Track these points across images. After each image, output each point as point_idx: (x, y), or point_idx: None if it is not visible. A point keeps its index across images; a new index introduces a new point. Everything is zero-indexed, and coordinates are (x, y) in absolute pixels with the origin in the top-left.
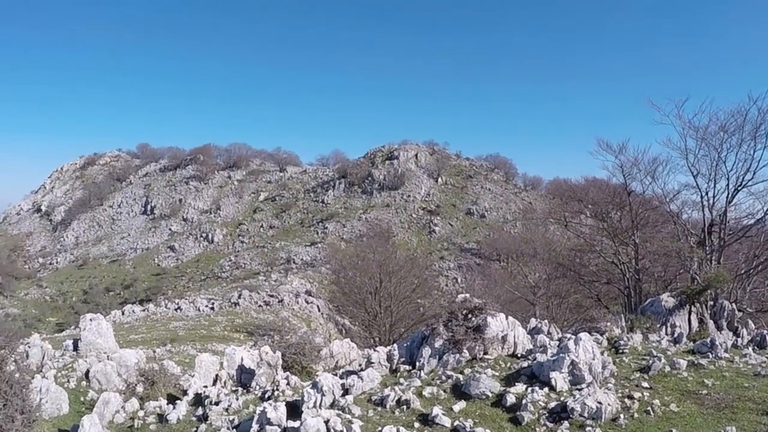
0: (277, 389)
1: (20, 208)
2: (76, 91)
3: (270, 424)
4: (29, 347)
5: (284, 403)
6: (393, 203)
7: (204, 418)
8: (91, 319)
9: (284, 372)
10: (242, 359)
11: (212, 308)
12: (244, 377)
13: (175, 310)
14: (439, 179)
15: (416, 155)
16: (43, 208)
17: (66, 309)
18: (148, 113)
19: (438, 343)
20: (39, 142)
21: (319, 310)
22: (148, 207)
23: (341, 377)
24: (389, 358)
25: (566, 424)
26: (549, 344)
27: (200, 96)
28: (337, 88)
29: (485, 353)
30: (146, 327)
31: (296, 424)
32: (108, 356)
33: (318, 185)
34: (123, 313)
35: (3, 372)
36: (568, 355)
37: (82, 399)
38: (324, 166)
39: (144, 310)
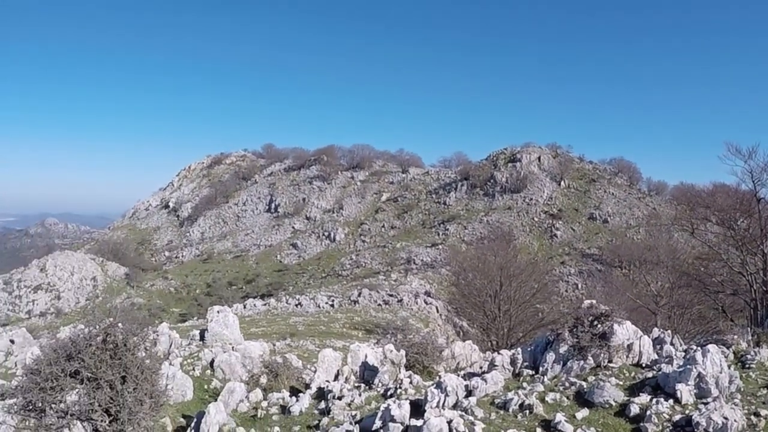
0: (400, 387)
1: (149, 204)
2: (203, 94)
3: (393, 421)
4: (158, 335)
5: (408, 401)
6: (515, 206)
7: (326, 411)
8: (218, 311)
9: (407, 371)
10: (366, 356)
11: (332, 305)
12: (367, 374)
13: (296, 305)
14: (562, 183)
15: (539, 158)
16: (171, 204)
17: (189, 301)
18: (273, 115)
19: (562, 349)
20: (167, 142)
21: (437, 312)
22: (272, 205)
23: (464, 378)
24: (512, 362)
25: None
26: (675, 355)
27: (325, 98)
28: (460, 90)
29: (610, 361)
30: (266, 321)
31: (419, 422)
32: (233, 347)
33: (440, 187)
34: (245, 307)
35: (135, 357)
36: (695, 367)
37: (205, 387)
38: (446, 167)
39: (265, 305)
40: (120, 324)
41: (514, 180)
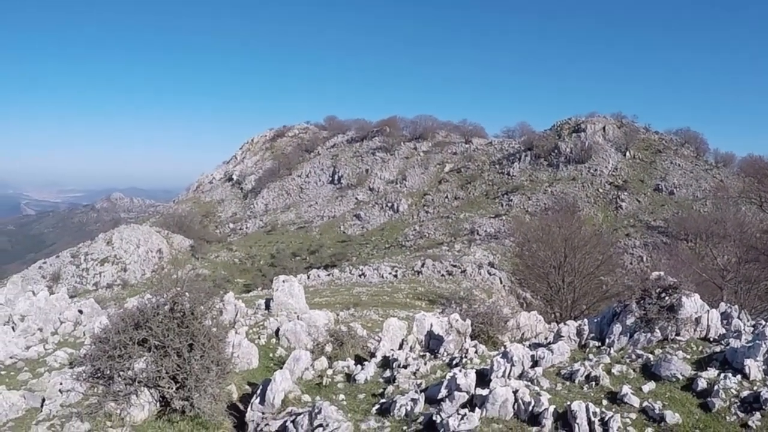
0: (465, 357)
1: (213, 177)
2: (266, 67)
3: (459, 390)
4: (224, 305)
5: (473, 370)
6: (579, 177)
7: (392, 380)
8: (284, 281)
9: (472, 340)
10: (431, 325)
11: (395, 276)
12: (432, 343)
13: (359, 276)
14: (627, 153)
15: (604, 128)
16: (235, 177)
17: (254, 271)
18: (336, 87)
19: (629, 321)
20: (231, 116)
21: (501, 283)
22: (335, 177)
23: (530, 349)
24: (579, 333)
25: (758, 415)
26: (743, 330)
27: (386, 69)
28: (524, 58)
29: (677, 334)
30: (330, 291)
31: (485, 392)
32: (298, 316)
33: (503, 157)
34: (308, 278)
35: (202, 326)
36: (765, 343)
37: (271, 355)
38: (509, 138)
39: (329, 275)
40: (187, 293)
41: (578, 150)
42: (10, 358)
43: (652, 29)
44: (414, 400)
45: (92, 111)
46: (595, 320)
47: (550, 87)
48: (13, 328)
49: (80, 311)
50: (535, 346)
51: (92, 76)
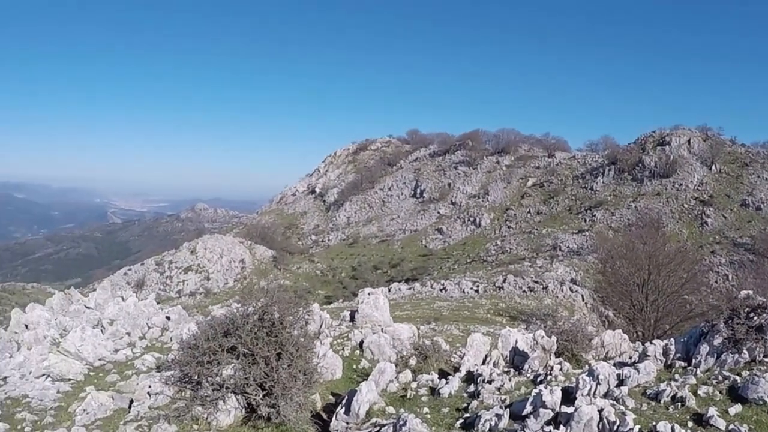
0: (550, 374)
1: (296, 189)
2: (349, 82)
3: (544, 407)
4: (311, 315)
5: (559, 387)
6: (664, 192)
7: (476, 395)
8: (369, 293)
9: (556, 358)
10: (516, 341)
11: (476, 291)
12: (516, 359)
13: (440, 290)
14: (713, 167)
15: (689, 141)
16: (317, 189)
17: (335, 283)
18: (418, 100)
19: (716, 341)
20: (314, 130)
21: (583, 300)
22: (418, 190)
23: (615, 367)
24: (665, 353)
25: None
26: None
27: (469, 83)
28: (608, 71)
29: (765, 356)
30: (411, 305)
31: (569, 409)
32: (382, 329)
33: (587, 171)
34: (389, 291)
35: (290, 335)
36: None
37: (354, 367)
38: (593, 151)
39: (410, 289)
40: (276, 303)
41: (663, 164)
42: (99, 360)
43: (739, 38)
44: (498, 416)
45: (179, 124)
46: (682, 340)
47: (634, 99)
48: (102, 331)
49: (168, 317)
50: (620, 365)
51: (181, 92)
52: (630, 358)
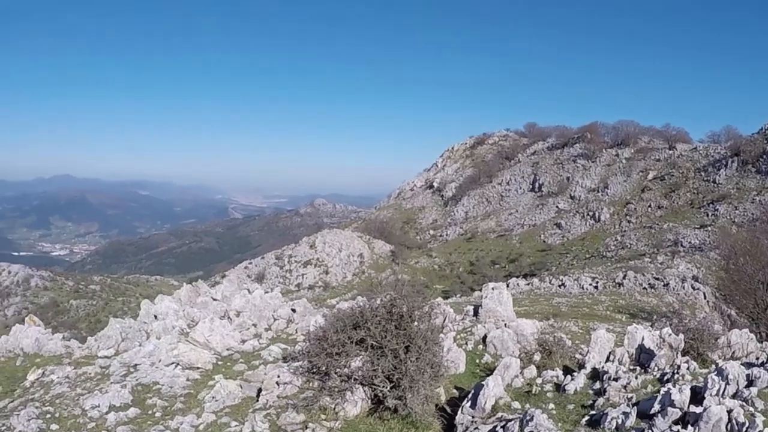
0: (677, 373)
1: (414, 184)
2: (466, 74)
3: (672, 406)
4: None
5: (688, 386)
6: None
7: (602, 392)
8: (493, 288)
9: (683, 356)
10: (643, 339)
11: (596, 287)
12: (642, 357)
13: (559, 286)
14: None
15: None
16: (435, 184)
17: (452, 278)
18: (535, 92)
19: None
20: (431, 123)
21: (705, 298)
22: (536, 184)
23: (744, 368)
24: None
25: None
26: None
27: (586, 73)
28: (730, 57)
29: None
30: (529, 300)
31: (698, 409)
32: (506, 324)
33: (709, 164)
34: (507, 286)
35: (419, 328)
36: None
37: (477, 361)
38: (715, 143)
39: (528, 284)
40: (404, 296)
41: None
42: (227, 350)
43: None
44: (626, 414)
45: (298, 122)
46: None
47: (759, 87)
48: (229, 322)
49: (293, 310)
50: (748, 365)
51: (301, 90)
52: (757, 358)
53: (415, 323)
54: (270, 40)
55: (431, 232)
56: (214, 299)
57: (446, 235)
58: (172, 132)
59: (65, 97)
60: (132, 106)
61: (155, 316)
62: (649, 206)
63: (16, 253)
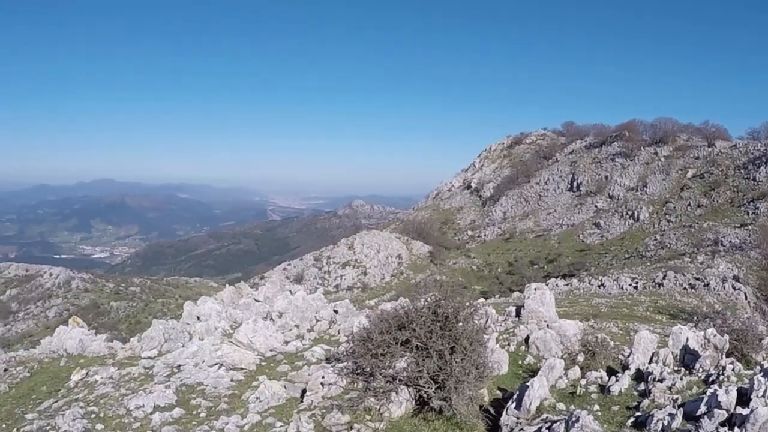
0: (722, 374)
1: (451, 185)
2: (503, 73)
3: (719, 407)
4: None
5: (734, 388)
6: None
7: (647, 393)
8: (535, 289)
9: (727, 357)
10: (687, 339)
11: (635, 287)
12: (687, 358)
13: (598, 286)
14: None
15: None
16: (473, 185)
17: (491, 279)
18: (572, 91)
19: None
20: (468, 123)
21: (746, 298)
22: (574, 184)
23: None
24: None
25: None
26: None
27: (625, 71)
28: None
29: None
30: (568, 301)
31: (745, 411)
32: (548, 325)
33: (749, 161)
34: (547, 286)
35: (465, 329)
36: None
37: (519, 362)
38: (755, 140)
39: (567, 285)
40: (449, 298)
41: None
42: (270, 351)
43: None
44: (671, 415)
45: (336, 124)
46: None
47: None
48: (272, 323)
49: (335, 311)
50: None
51: (338, 94)
52: None
53: (460, 324)
54: (307, 40)
55: (469, 232)
56: (257, 300)
57: (484, 235)
58: (211, 135)
59: (107, 103)
60: (172, 110)
61: (198, 318)
62: (689, 205)
63: (57, 256)
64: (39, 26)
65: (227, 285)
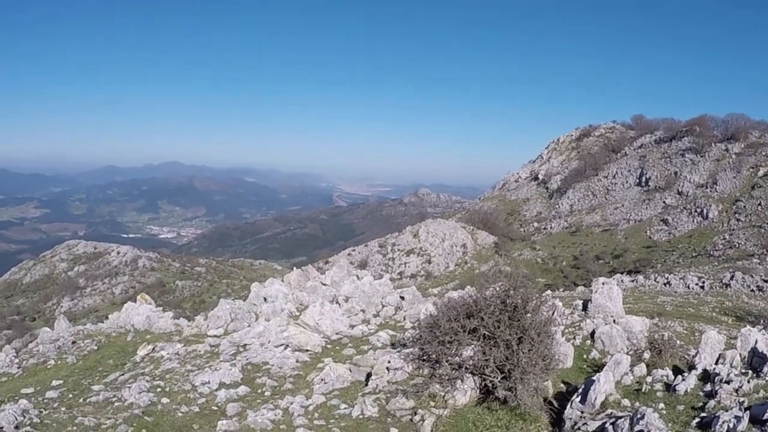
0: None
1: (518, 176)
2: (572, 64)
3: None
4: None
5: None
6: None
7: (713, 394)
8: (603, 283)
9: None
10: (756, 342)
11: (702, 287)
12: (755, 361)
13: (664, 284)
14: None
15: None
16: (540, 176)
17: (555, 272)
18: (641, 85)
19: None
20: (536, 114)
21: None
22: (643, 179)
23: None
24: None
25: None
26: None
27: (696, 63)
28: None
29: None
30: (633, 298)
31: None
32: (614, 320)
33: None
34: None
35: (533, 320)
36: None
37: (584, 357)
38: None
39: (632, 281)
40: (518, 288)
41: None
42: (336, 334)
43: None
44: (738, 418)
45: (402, 112)
46: None
47: None
48: (338, 307)
49: (402, 297)
50: None
51: (406, 82)
52: None
53: (529, 314)
54: (376, 30)
55: (535, 224)
56: (324, 284)
57: (550, 227)
58: (279, 120)
59: (176, 88)
60: (240, 95)
61: (265, 299)
62: (759, 204)
63: (125, 235)
64: (111, 14)
65: (293, 268)
